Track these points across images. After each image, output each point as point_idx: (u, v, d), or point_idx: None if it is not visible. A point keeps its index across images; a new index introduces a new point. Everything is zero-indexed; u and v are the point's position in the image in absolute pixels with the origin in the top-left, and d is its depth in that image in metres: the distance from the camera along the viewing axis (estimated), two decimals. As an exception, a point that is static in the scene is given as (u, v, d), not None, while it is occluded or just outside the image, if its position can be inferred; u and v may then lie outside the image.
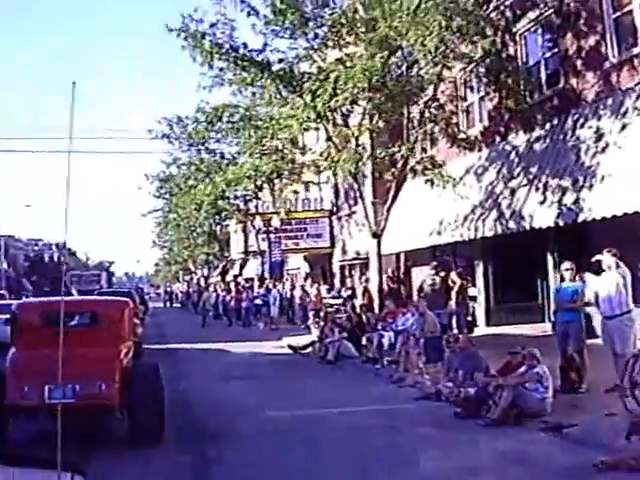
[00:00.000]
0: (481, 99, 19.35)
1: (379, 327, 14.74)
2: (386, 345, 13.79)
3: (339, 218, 34.61)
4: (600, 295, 9.40)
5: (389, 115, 15.17)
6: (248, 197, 39.20)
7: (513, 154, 17.69)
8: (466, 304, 15.77)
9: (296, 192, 36.36)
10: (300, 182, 34.88)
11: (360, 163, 15.96)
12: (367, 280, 21.99)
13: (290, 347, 17.91)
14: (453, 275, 15.54)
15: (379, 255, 18.43)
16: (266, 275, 35.84)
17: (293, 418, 9.73)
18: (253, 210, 36.49)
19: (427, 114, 16.43)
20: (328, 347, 15.40)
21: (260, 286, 30.84)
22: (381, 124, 15.78)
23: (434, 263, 15.58)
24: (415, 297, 17.19)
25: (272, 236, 31.14)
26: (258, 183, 29.43)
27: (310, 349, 17.65)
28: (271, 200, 36.91)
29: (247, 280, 45.92)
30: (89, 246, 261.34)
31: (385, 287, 19.62)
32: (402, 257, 27.92)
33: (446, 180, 15.93)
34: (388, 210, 18.34)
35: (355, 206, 32.03)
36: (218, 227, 51.10)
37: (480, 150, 19.29)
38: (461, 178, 18.35)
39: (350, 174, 16.64)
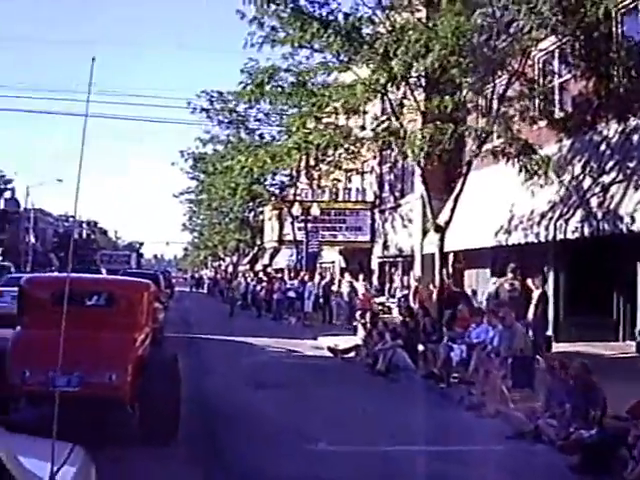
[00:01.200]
0: (564, 82, 16.83)
1: (445, 337, 12.43)
2: (455, 360, 11.50)
3: (382, 211, 32.28)
4: None
5: (478, 85, 12.78)
6: (285, 184, 37.09)
7: (604, 145, 15.23)
8: (546, 317, 13.39)
9: (337, 180, 34.09)
10: (342, 170, 32.65)
11: (445, 138, 13.48)
12: (419, 280, 19.66)
13: (330, 350, 15.70)
14: (530, 282, 13.18)
15: (441, 252, 16.04)
16: (300, 266, 33.91)
17: (355, 458, 7.37)
18: (290, 198, 34.45)
19: (519, 88, 14.02)
20: (378, 355, 13.15)
21: (294, 278, 28.58)
22: (470, 95, 13.40)
23: (512, 266, 13.25)
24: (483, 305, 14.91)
25: (310, 225, 28.87)
26: (302, 164, 27.14)
27: (353, 354, 15.43)
28: (309, 189, 34.73)
29: (277, 271, 43.89)
30: (120, 225, 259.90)
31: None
32: (450, 258, 25.61)
33: (549, 168, 13.45)
34: (456, 199, 15.96)
35: (401, 199, 29.71)
36: (251, 214, 49.11)
37: (560, 141, 16.83)
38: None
39: (422, 154, 14.24)
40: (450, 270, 26.59)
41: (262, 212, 48.51)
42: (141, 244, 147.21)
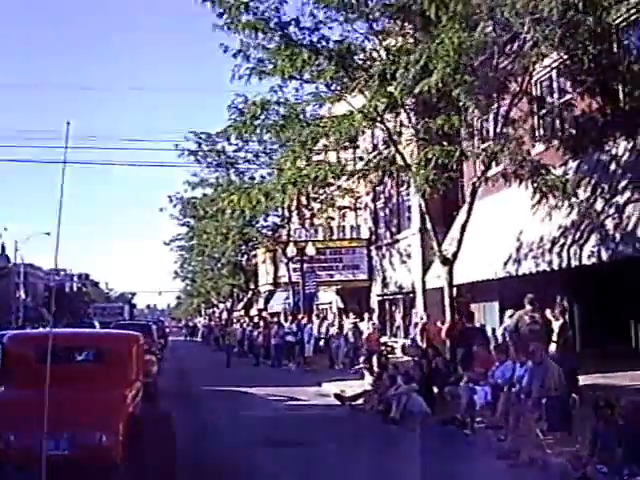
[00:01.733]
0: (568, 99, 16.11)
1: (464, 378, 11.39)
2: (479, 404, 10.46)
3: (378, 248, 31.42)
4: None
5: (484, 104, 11.98)
6: (277, 225, 36.19)
7: (614, 164, 14.47)
8: (573, 349, 12.39)
9: (331, 219, 33.28)
10: (336, 207, 31.89)
11: (452, 161, 12.62)
12: (427, 317, 18.64)
13: (337, 397, 14.62)
14: (548, 313, 12.23)
15: (450, 286, 15.16)
16: (296, 309, 32.89)
17: None
18: (283, 239, 33.57)
19: (525, 107, 13.26)
20: (390, 401, 12.09)
21: (291, 321, 27.49)
22: (476, 113, 12.60)
23: (530, 296, 12.30)
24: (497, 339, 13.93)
25: (306, 266, 27.94)
26: (294, 203, 26.28)
27: (362, 400, 14.37)
28: (302, 229, 33.88)
29: (272, 315, 42.79)
30: (111, 277, 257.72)
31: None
32: (455, 291, 24.69)
33: (566, 187, 12.63)
34: (463, 229, 15.07)
35: (398, 234, 28.89)
36: (244, 258, 48.18)
37: (566, 164, 16.06)
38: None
39: (428, 183, 13.37)
40: (455, 304, 25.80)
41: (255, 255, 47.68)
42: (133, 294, 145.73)
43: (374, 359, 15.22)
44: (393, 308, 30.89)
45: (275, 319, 33.00)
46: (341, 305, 37.96)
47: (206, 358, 34.69)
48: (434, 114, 13.06)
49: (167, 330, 50.85)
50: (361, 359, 16.04)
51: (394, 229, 29.50)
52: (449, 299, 14.57)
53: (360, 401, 14.42)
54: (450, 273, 14.61)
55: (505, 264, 16.40)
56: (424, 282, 26.12)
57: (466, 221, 15.06)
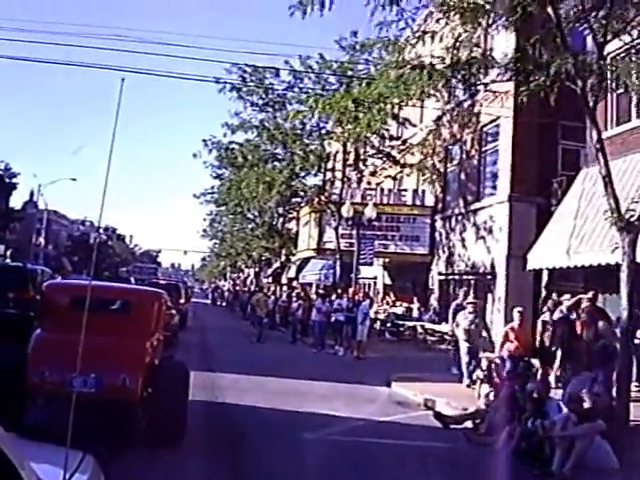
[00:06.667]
0: None
1: None
2: None
3: (446, 218, 26.48)
4: None
5: None
6: (325, 182, 31.23)
7: None
8: None
9: (394, 178, 28.36)
10: (400, 165, 26.95)
11: None
12: (521, 312, 13.21)
13: (438, 418, 9.79)
14: None
15: (632, 263, 9.67)
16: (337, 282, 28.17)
17: None
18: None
19: None
20: (554, 444, 7.29)
21: (339, 296, 22.65)
22: None
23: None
24: None
25: (363, 232, 23.18)
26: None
27: (469, 424, 9.65)
28: (356, 189, 28.91)
29: (302, 286, 38.09)
30: (136, 231, 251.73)
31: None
32: (545, 278, 19.81)
33: None
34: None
35: (476, 202, 23.92)
36: (280, 220, 43.51)
37: None
38: None
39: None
40: (544, 294, 20.88)
41: (292, 219, 42.90)
42: (158, 252, 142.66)
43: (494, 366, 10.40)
44: (456, 291, 25.99)
45: (321, 291, 28.08)
46: (388, 282, 33.13)
47: (233, 328, 30.13)
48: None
49: (189, 292, 46.00)
50: (483, 364, 10.92)
51: (470, 197, 24.50)
52: (628, 284, 9.22)
53: (467, 423, 9.70)
54: (633, 246, 9.44)
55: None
56: (508, 262, 21.33)
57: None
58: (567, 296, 14.16)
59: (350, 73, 23.15)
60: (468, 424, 9.74)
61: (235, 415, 10.08)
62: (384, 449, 8.40)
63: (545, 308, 14.25)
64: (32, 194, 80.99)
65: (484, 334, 14.17)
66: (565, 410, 7.74)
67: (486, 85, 12.27)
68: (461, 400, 11.21)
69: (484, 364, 10.78)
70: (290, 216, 42.03)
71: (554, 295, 15.06)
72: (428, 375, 14.23)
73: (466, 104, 24.85)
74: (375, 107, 13.67)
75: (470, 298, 14.38)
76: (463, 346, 13.63)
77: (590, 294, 12.77)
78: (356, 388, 13.17)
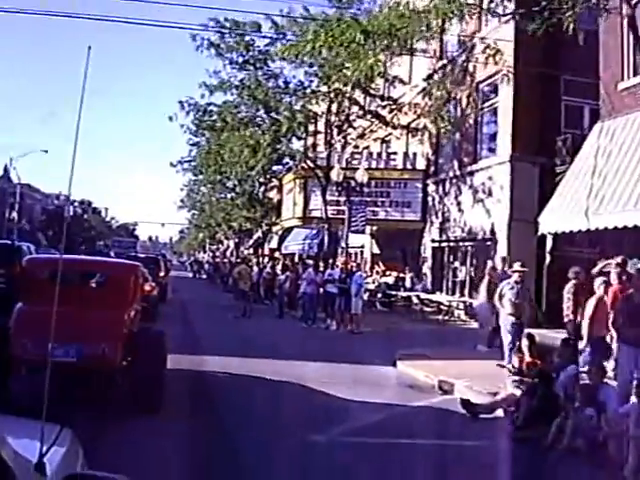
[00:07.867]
0: None
1: None
2: None
3: (439, 182, 25.04)
4: None
5: None
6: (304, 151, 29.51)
7: None
8: None
9: (384, 141, 26.78)
10: (390, 126, 25.35)
11: None
12: (577, 274, 11.64)
13: (465, 405, 8.39)
14: None
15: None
16: (323, 251, 26.65)
17: None
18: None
19: None
20: (621, 443, 5.92)
21: (331, 267, 21.16)
22: None
23: None
24: None
25: (354, 198, 21.67)
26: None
27: (499, 412, 8.29)
28: (341, 152, 27.26)
29: (285, 256, 36.58)
30: (112, 204, 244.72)
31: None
32: (549, 243, 18.44)
33: None
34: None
35: (472, 164, 22.46)
36: (262, 189, 41.77)
37: None
38: None
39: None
40: (548, 260, 19.57)
41: (273, 187, 41.20)
42: (135, 225, 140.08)
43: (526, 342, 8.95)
44: (451, 260, 24.65)
45: (310, 261, 26.60)
46: (376, 250, 31.72)
47: (216, 302, 28.57)
48: None
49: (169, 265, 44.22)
50: (523, 342, 9.26)
51: (466, 158, 23.05)
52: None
53: (499, 412, 8.33)
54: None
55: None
56: (510, 227, 19.99)
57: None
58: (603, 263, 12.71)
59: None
60: (499, 412, 8.37)
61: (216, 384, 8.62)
62: (419, 453, 6.91)
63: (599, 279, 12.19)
64: (6, 168, 78.39)
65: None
66: (635, 399, 6.38)
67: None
68: (484, 382, 9.82)
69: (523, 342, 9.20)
70: (271, 184, 40.35)
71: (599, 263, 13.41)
72: (437, 351, 12.88)
73: (460, 60, 23.48)
74: (383, 42, 12.22)
75: (516, 265, 12.69)
76: (507, 321, 12.00)
77: (619, 258, 11.33)
78: (358, 369, 11.73)
